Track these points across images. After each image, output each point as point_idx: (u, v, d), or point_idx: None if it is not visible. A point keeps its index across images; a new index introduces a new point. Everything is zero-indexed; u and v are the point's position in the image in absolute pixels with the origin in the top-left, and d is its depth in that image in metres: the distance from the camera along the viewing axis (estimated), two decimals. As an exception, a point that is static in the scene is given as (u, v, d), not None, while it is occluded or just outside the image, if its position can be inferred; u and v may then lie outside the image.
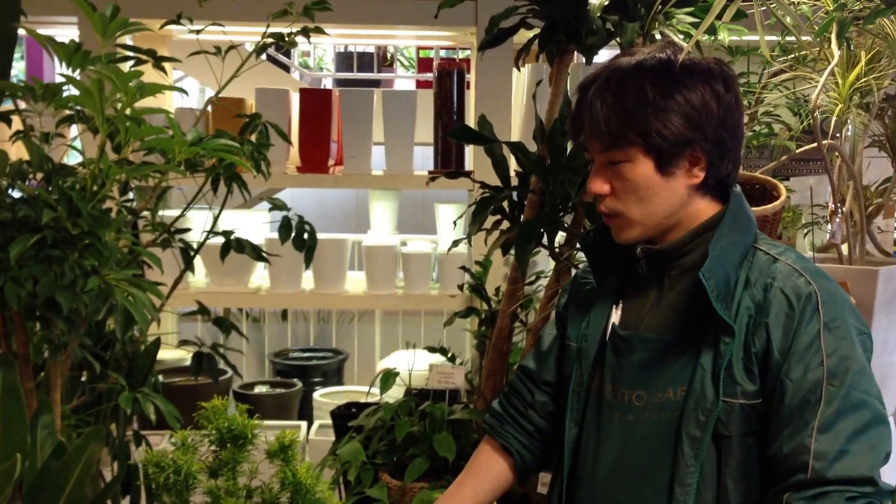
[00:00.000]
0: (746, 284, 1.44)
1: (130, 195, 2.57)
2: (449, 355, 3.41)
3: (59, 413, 2.23)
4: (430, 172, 3.52)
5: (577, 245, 2.42)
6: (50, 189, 1.93)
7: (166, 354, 4.47)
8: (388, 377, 2.72)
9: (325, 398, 4.21)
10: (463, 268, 3.09)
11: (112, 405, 2.53)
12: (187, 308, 2.94)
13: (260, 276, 4.16)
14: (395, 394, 2.98)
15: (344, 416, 3.04)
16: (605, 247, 1.60)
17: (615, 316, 1.57)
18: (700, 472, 1.41)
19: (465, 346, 4.31)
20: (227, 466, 1.66)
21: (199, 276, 4.11)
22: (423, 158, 4.22)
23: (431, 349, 3.25)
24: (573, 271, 2.42)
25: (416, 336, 5.45)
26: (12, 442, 1.93)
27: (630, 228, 1.50)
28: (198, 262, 3.30)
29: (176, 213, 2.65)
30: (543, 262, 3.39)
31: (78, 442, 1.96)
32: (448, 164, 3.65)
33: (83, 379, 2.57)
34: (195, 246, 2.60)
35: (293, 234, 2.66)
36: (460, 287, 3.02)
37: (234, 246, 2.62)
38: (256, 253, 2.65)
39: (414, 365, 3.08)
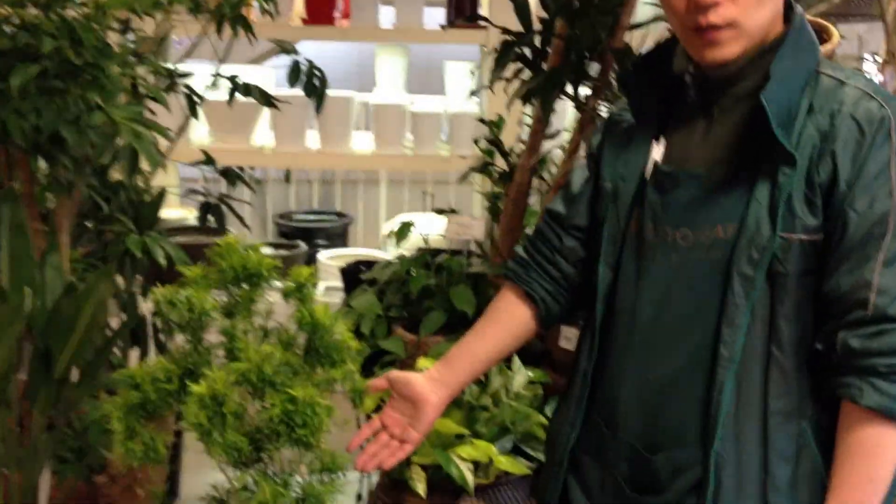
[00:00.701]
0: (810, 111, 1.33)
1: (131, 36, 2.45)
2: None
3: (68, 255, 2.16)
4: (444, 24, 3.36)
5: (617, 83, 2.28)
6: (49, 16, 1.81)
7: (169, 214, 4.40)
8: (406, 228, 2.64)
9: (331, 260, 4.16)
10: (481, 120, 2.97)
11: (120, 254, 2.46)
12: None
13: (264, 135, 4.05)
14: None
15: (354, 273, 2.98)
16: (647, 80, 1.49)
17: (657, 152, 1.47)
18: (751, 313, 1.33)
19: (473, 211, 4.22)
20: (243, 305, 1.59)
21: (202, 134, 4.00)
22: (432, 19, 4.04)
23: (440, 211, 3.17)
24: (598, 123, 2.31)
25: (422, 203, 5.36)
26: (20, 278, 1.86)
27: (737, 42, 1.35)
28: (201, 120, 3.18)
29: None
30: (558, 122, 3.27)
31: (89, 282, 1.89)
32: (462, 16, 3.49)
33: (90, 226, 2.50)
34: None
35: (304, 80, 2.55)
36: (475, 142, 2.91)
37: (241, 90, 2.50)
38: (265, 98, 2.53)
39: (423, 227, 3.00)
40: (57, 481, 2.39)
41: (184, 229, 3.96)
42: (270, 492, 1.46)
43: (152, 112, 2.05)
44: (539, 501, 1.67)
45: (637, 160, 1.50)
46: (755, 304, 1.34)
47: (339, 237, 4.96)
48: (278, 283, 1.60)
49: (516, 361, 2.19)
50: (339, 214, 5.17)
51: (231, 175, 2.71)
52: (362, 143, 3.95)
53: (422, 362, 2.21)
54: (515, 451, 2.13)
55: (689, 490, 1.39)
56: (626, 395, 1.45)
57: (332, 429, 1.52)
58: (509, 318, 1.63)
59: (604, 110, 2.48)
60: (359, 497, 2.30)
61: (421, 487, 1.93)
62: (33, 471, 2.04)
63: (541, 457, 2.11)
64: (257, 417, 1.52)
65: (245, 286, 1.59)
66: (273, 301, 1.64)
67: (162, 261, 2.18)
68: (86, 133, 1.83)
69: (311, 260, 4.41)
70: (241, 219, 2.79)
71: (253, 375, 1.45)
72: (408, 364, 2.49)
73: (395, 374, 1.53)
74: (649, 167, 1.47)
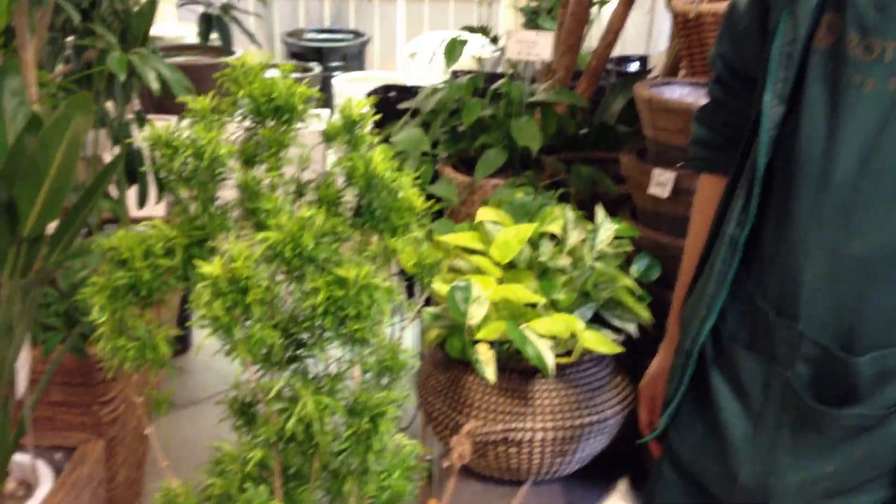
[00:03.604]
0: None
1: None
2: (491, 36, 2.85)
3: (36, 79, 1.71)
4: None
5: None
6: None
7: (162, 30, 3.89)
8: (455, 45, 2.15)
9: (349, 84, 3.69)
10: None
11: (106, 77, 2.01)
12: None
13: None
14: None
15: (384, 102, 2.52)
16: None
17: None
18: None
19: (499, 28, 3.74)
20: (268, 151, 1.15)
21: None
22: None
23: (470, 29, 2.69)
24: None
25: (444, 21, 4.82)
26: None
27: None
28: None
29: None
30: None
31: (58, 113, 1.45)
32: None
33: (67, 40, 2.04)
34: None
35: None
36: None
37: None
38: None
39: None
40: (41, 353, 2.02)
41: (182, 48, 3.48)
42: (313, 402, 1.07)
43: None
44: (666, 398, 1.30)
45: None
46: None
47: (354, 59, 4.45)
48: (317, 120, 1.15)
49: (600, 213, 1.77)
50: (355, 33, 4.64)
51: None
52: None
53: (482, 213, 1.79)
54: (596, 320, 1.75)
55: None
56: (812, 275, 1.05)
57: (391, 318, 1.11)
58: None
59: None
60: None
61: (490, 370, 1.55)
62: (7, 345, 1.66)
63: (629, 328, 1.73)
64: (294, 304, 1.12)
65: (271, 123, 1.15)
66: (308, 145, 1.20)
67: (154, 85, 1.73)
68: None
69: (325, 85, 3.94)
70: (250, 35, 2.32)
71: (287, 249, 1.03)
72: (461, 211, 2.07)
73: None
74: None
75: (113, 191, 2.58)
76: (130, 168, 2.60)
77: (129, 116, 2.38)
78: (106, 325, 1.10)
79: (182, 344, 3.96)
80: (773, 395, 1.12)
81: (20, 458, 1.94)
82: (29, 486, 1.93)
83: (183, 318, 3.78)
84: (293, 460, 1.21)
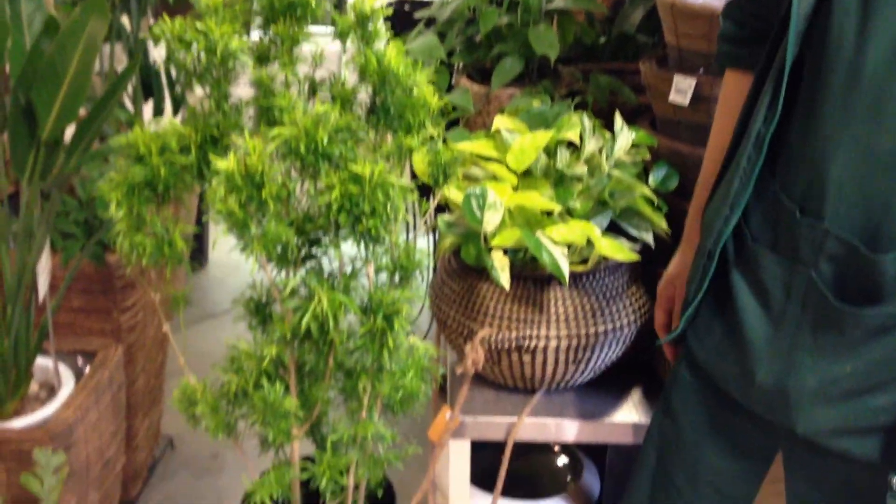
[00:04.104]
0: None
1: None
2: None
3: (47, -17, 1.70)
4: None
5: None
6: None
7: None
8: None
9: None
10: None
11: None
12: None
13: None
14: None
15: (400, 14, 2.49)
16: None
17: None
18: None
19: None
20: (282, 47, 1.14)
21: None
22: None
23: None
24: None
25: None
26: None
27: None
28: None
29: None
30: None
31: (74, 16, 1.44)
32: None
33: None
34: None
35: None
36: None
37: None
38: None
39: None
40: (61, 260, 2.04)
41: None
42: (328, 299, 1.08)
43: None
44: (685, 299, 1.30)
45: None
46: None
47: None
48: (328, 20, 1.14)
49: (619, 120, 1.76)
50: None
51: None
52: None
53: (498, 121, 1.78)
54: (612, 229, 1.74)
55: None
56: (839, 172, 1.03)
57: (406, 215, 1.12)
58: None
59: None
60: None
61: (504, 277, 1.55)
62: (27, 249, 1.68)
63: (646, 238, 1.73)
64: (308, 202, 1.12)
65: (284, 21, 1.14)
66: (322, 44, 1.19)
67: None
68: None
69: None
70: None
71: (301, 145, 1.03)
72: (476, 122, 2.06)
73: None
74: None
75: (130, 107, 2.58)
76: (146, 82, 2.59)
77: (145, 34, 2.37)
78: (123, 222, 1.11)
79: (199, 260, 3.99)
80: (795, 295, 1.11)
81: (43, 362, 1.98)
82: (51, 389, 1.97)
83: (200, 236, 3.80)
84: (308, 358, 1.23)
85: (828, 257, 1.07)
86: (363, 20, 1.12)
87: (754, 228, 1.17)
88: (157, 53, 2.64)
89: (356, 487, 1.32)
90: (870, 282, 1.04)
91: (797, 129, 1.10)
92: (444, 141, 1.21)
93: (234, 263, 4.01)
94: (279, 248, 1.11)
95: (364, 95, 1.17)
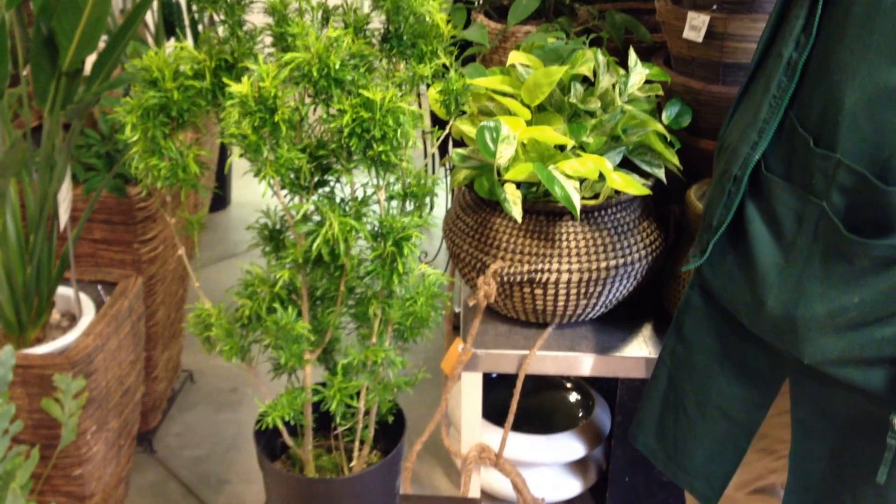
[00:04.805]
0: None
1: None
2: None
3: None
4: None
5: None
6: None
7: None
8: None
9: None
10: None
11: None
12: None
13: None
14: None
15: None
16: None
17: None
18: None
19: None
20: (297, -24, 1.15)
21: None
22: None
23: None
24: None
25: None
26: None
27: None
28: None
29: None
30: None
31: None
32: None
33: None
34: None
35: None
36: None
37: None
38: None
39: None
40: (83, 192, 2.08)
41: None
42: (339, 224, 1.10)
43: None
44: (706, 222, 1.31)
45: None
46: None
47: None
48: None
49: (633, 55, 1.76)
50: None
51: None
52: None
53: (513, 56, 1.78)
54: (624, 165, 1.75)
55: None
56: (853, 102, 1.04)
57: (417, 142, 1.13)
58: None
59: None
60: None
61: (516, 210, 1.57)
62: (49, 178, 1.71)
63: (658, 174, 1.74)
64: (320, 127, 1.14)
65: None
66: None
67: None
68: None
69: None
70: None
71: (314, 70, 1.05)
72: (492, 59, 2.06)
73: None
74: None
75: (153, 46, 2.59)
76: (168, 20, 2.60)
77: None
78: (139, 145, 1.13)
79: (221, 202, 4.03)
80: (807, 225, 1.13)
81: (64, 291, 2.03)
82: (73, 318, 2.02)
83: (221, 177, 3.83)
84: (320, 284, 1.25)
85: (839, 188, 1.08)
86: (376, -52, 1.13)
87: (768, 157, 1.17)
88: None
89: (367, 413, 1.35)
90: (880, 214, 1.05)
91: (817, 55, 1.10)
92: (457, 71, 1.21)
93: (257, 204, 4.04)
94: (291, 174, 1.13)
95: (378, 24, 1.18)
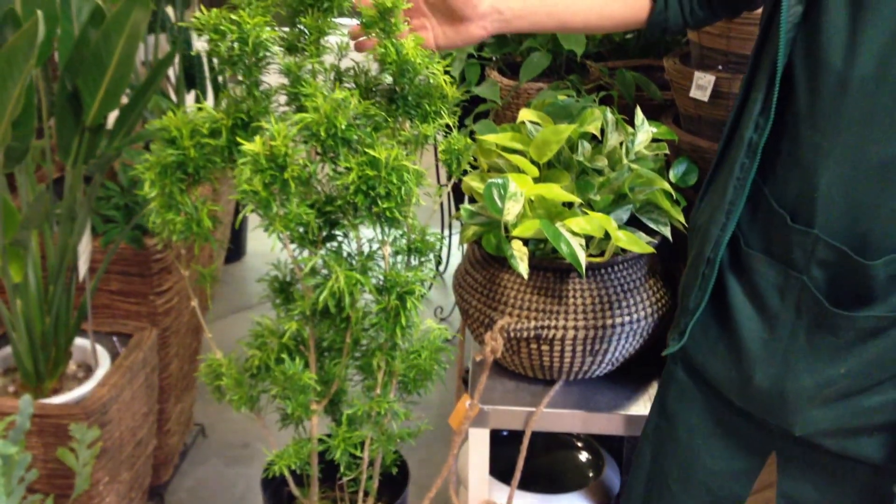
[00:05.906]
0: None
1: None
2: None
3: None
4: None
5: None
6: None
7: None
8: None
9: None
10: None
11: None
12: None
13: None
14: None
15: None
16: None
17: None
18: None
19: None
20: (309, 38, 1.20)
21: None
22: None
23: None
24: None
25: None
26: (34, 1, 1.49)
27: None
28: None
29: None
30: None
31: (119, 7, 1.51)
32: None
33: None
34: None
35: None
36: None
37: None
38: None
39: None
40: (101, 244, 2.12)
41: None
42: (345, 277, 1.14)
43: None
44: (681, 303, 1.33)
45: None
46: None
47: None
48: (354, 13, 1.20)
49: (639, 115, 1.79)
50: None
51: None
52: None
53: (523, 113, 1.82)
54: (632, 223, 1.78)
55: None
56: (828, 180, 1.05)
57: (421, 200, 1.17)
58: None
59: None
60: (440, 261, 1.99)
61: (523, 267, 1.60)
62: (69, 230, 1.76)
63: (664, 231, 1.76)
64: (328, 185, 1.18)
65: (312, 13, 1.20)
66: (347, 35, 1.25)
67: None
68: None
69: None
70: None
71: (322, 129, 1.09)
72: (505, 115, 2.11)
73: None
74: None
75: (174, 97, 2.66)
76: (189, 72, 2.67)
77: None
78: (156, 200, 1.18)
79: (236, 253, 4.08)
80: (789, 299, 1.14)
81: (81, 342, 2.06)
82: (88, 368, 2.05)
83: (236, 230, 3.88)
84: (327, 335, 1.28)
85: (819, 263, 1.09)
86: (385, 12, 1.18)
87: (747, 234, 1.19)
88: (200, 45, 2.73)
89: (371, 464, 1.37)
90: (861, 286, 1.07)
91: (787, 136, 1.12)
92: (461, 128, 1.25)
93: (272, 256, 4.09)
94: (300, 228, 1.16)
95: (385, 85, 1.23)
